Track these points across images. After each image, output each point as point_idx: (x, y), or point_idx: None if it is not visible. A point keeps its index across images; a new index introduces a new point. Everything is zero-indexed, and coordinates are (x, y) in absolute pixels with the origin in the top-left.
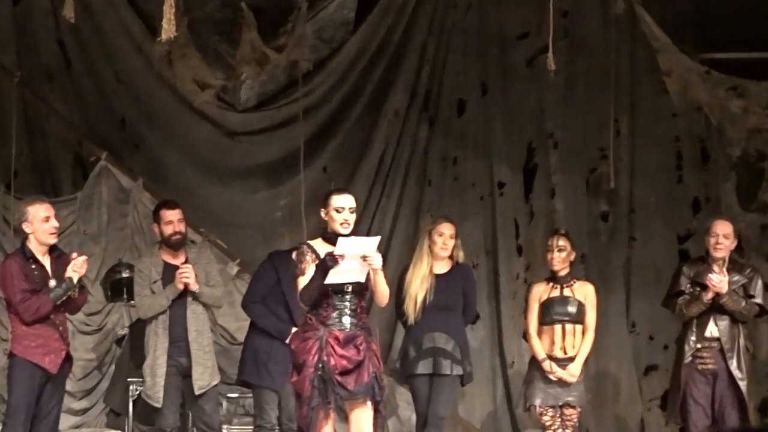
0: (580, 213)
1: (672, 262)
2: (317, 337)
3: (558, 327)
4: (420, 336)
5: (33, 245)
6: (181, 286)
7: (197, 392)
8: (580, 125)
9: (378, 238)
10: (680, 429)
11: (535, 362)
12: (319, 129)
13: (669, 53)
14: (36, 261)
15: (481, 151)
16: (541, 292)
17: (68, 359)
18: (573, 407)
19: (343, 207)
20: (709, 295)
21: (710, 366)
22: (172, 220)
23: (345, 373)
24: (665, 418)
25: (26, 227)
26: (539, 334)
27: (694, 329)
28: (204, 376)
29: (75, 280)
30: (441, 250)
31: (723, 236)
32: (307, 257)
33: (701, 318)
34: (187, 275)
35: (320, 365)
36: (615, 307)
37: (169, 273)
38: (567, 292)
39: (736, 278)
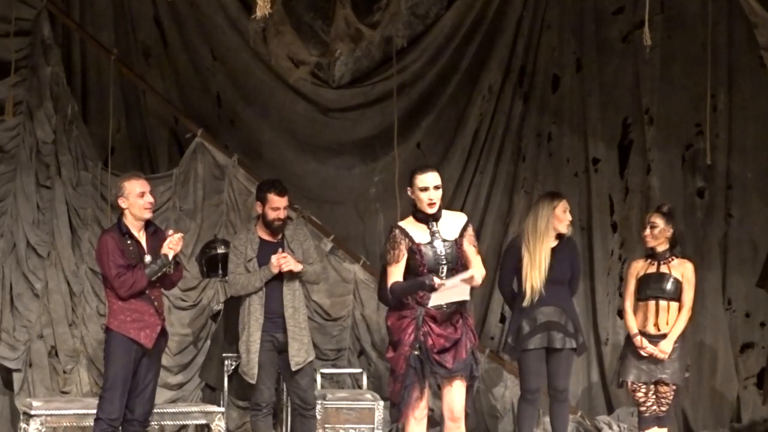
0: (676, 189)
1: None
2: (414, 316)
3: (652, 303)
4: (534, 311)
5: (129, 221)
6: (276, 271)
7: (294, 368)
8: (677, 101)
9: (468, 288)
10: None
11: (630, 338)
12: (413, 105)
13: (767, 28)
14: (132, 236)
15: (576, 127)
16: (638, 268)
17: (164, 334)
18: (667, 384)
19: (427, 186)
20: None
21: None
22: (279, 207)
23: (443, 351)
24: (762, 396)
25: (122, 203)
26: (634, 310)
27: None
28: (300, 353)
29: (170, 257)
30: (564, 227)
31: None
32: (401, 245)
33: None
34: (287, 263)
35: (417, 345)
36: (711, 284)
37: (266, 250)
38: (664, 268)
39: None
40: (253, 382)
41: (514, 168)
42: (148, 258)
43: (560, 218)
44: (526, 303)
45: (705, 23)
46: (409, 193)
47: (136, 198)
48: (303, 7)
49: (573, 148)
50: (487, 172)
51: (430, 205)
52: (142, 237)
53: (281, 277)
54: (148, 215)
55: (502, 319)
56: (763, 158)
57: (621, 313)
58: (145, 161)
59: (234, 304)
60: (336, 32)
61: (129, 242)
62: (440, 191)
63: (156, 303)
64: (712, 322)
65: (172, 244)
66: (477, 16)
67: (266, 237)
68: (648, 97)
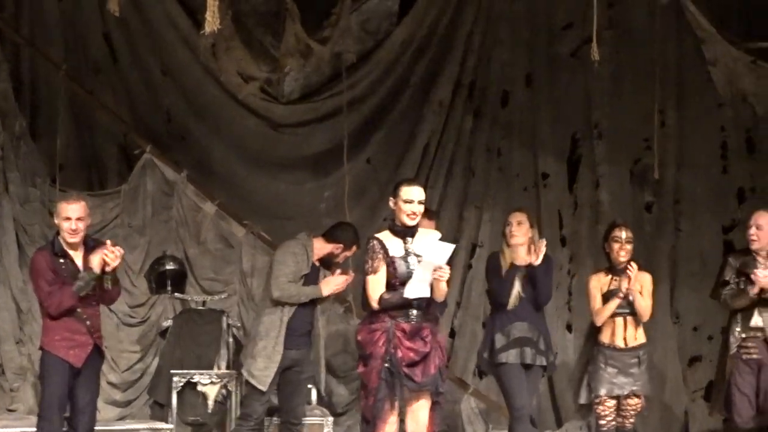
0: (624, 203)
1: (717, 253)
2: (384, 329)
3: (619, 319)
4: (507, 326)
5: (64, 239)
6: (327, 293)
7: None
8: (625, 116)
9: (453, 246)
10: (724, 420)
11: (598, 354)
12: (363, 121)
13: (714, 43)
14: (66, 255)
15: (525, 142)
16: (601, 283)
17: (98, 353)
18: (638, 396)
19: (412, 199)
20: (755, 290)
21: (755, 356)
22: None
23: (412, 365)
24: (709, 408)
25: (56, 221)
26: (600, 325)
27: (739, 320)
28: (318, 373)
29: (98, 270)
30: (511, 238)
31: (756, 227)
32: (379, 255)
33: (746, 308)
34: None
35: (388, 357)
36: (660, 297)
37: (313, 273)
38: (626, 283)
39: None
40: (265, 389)
41: (464, 183)
42: (82, 275)
43: (511, 232)
44: (497, 314)
45: (653, 39)
46: (390, 203)
47: (62, 221)
48: (253, 23)
49: (523, 163)
50: (437, 187)
51: (411, 217)
52: (78, 255)
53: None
54: (72, 240)
55: (452, 334)
56: (710, 172)
57: (570, 328)
58: (94, 177)
59: (183, 320)
60: (286, 48)
61: (62, 261)
62: (422, 207)
63: (89, 322)
64: (661, 336)
65: (110, 258)
66: (427, 31)
67: (316, 263)
68: (597, 112)
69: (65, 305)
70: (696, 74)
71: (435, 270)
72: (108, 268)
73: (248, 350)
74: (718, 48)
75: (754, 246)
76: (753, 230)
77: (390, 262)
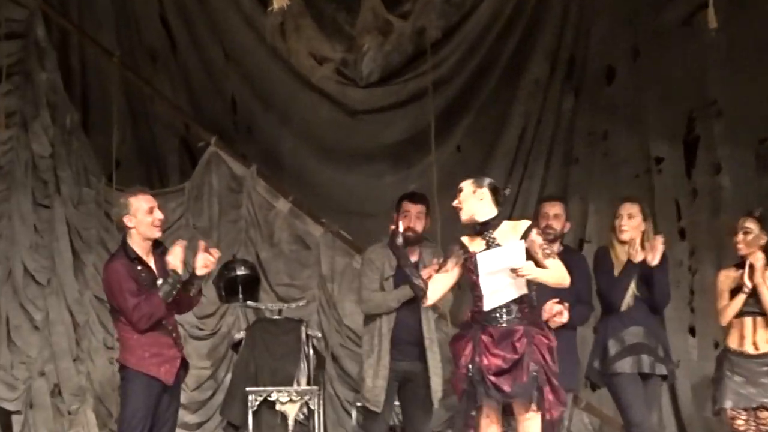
0: (749, 190)
1: None
2: (472, 336)
3: (748, 320)
4: (621, 330)
5: (135, 242)
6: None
7: (435, 404)
8: (747, 90)
9: (522, 243)
10: None
11: (724, 360)
12: (450, 104)
13: None
14: (141, 261)
15: (633, 124)
16: (730, 279)
17: (184, 366)
18: None
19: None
20: None
21: None
22: (410, 214)
23: (500, 373)
24: None
25: (128, 221)
26: (727, 327)
27: None
28: (439, 386)
29: (180, 270)
30: (621, 233)
31: None
32: (453, 255)
33: None
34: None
35: (469, 366)
36: None
37: (401, 272)
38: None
39: None
40: (379, 410)
41: (566, 171)
42: (160, 282)
43: (618, 224)
44: (609, 318)
45: None
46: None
47: (144, 215)
48: None
49: (631, 147)
50: (536, 176)
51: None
52: (151, 260)
53: (417, 303)
54: (157, 234)
55: None
56: None
57: (693, 331)
58: (153, 174)
59: (258, 331)
60: (362, 25)
61: (140, 268)
62: (457, 200)
63: (174, 333)
64: None
65: (209, 261)
66: (518, 2)
67: None
68: (714, 87)
69: (156, 316)
70: None
71: (513, 272)
72: (202, 272)
73: (360, 374)
74: None
75: None
76: None
77: (470, 258)
